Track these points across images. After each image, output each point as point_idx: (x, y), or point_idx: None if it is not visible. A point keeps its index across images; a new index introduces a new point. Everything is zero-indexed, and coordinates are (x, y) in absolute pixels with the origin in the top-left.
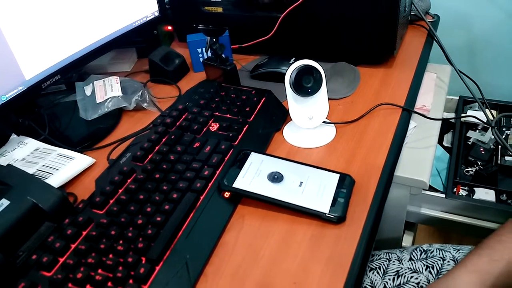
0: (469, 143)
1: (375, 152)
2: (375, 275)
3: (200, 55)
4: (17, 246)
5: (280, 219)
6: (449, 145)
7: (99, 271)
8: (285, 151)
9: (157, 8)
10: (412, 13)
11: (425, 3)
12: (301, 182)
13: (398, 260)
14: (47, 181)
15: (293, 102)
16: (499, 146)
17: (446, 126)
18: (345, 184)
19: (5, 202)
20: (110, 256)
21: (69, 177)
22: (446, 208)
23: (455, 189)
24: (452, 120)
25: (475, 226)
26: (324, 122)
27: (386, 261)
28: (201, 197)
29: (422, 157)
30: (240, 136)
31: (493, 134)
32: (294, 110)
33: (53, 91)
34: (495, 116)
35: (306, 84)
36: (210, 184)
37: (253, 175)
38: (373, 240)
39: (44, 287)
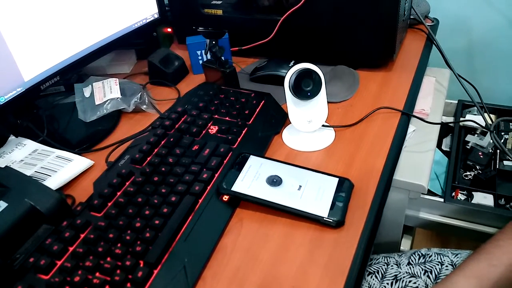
0: (468, 147)
1: (374, 156)
2: (373, 279)
3: (200, 58)
4: (14, 249)
5: (279, 223)
6: (448, 149)
7: (97, 274)
8: (284, 155)
9: (156, 10)
10: (411, 17)
11: (425, 7)
12: (300, 186)
13: (397, 265)
14: (45, 183)
15: (292, 105)
16: (498, 151)
17: (445, 130)
18: (344, 188)
19: (2, 204)
20: (108, 259)
21: (67, 179)
22: (445, 212)
23: (453, 193)
24: (451, 124)
25: (473, 231)
26: (323, 125)
27: (384, 265)
28: (200, 200)
29: (421, 161)
30: (239, 139)
31: (491, 139)
32: (293, 113)
33: (52, 93)
34: (493, 120)
35: (305, 88)
36: (208, 187)
37: (252, 178)
38: (371, 244)
39: None
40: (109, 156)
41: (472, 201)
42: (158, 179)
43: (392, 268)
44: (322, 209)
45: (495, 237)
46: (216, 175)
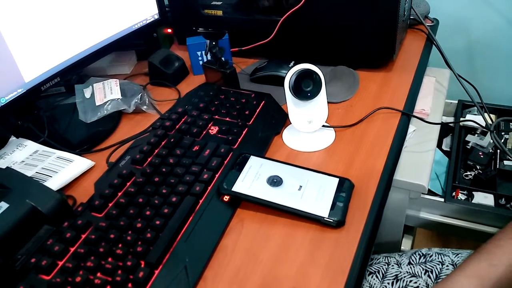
0: (468, 147)
1: (374, 156)
2: (374, 279)
3: (200, 58)
4: (16, 249)
5: (279, 223)
6: (448, 149)
7: (98, 274)
8: (285, 155)
9: (157, 11)
10: (411, 17)
11: (425, 7)
12: (301, 186)
13: (397, 264)
14: (46, 183)
15: (293, 105)
16: (498, 151)
17: (445, 130)
18: (344, 188)
19: (4, 205)
20: (109, 259)
21: (68, 180)
22: (445, 212)
23: (454, 193)
24: (451, 124)
25: (474, 230)
26: (323, 126)
27: (385, 265)
28: (200, 201)
29: (421, 161)
30: (239, 140)
31: (492, 139)
32: (294, 113)
33: (52, 94)
34: (494, 120)
35: (305, 88)
36: (209, 188)
37: (253, 178)
38: (372, 244)
39: None
40: (110, 157)
41: (473, 201)
42: (158, 180)
43: (393, 268)
44: (322, 209)
45: (496, 236)
46: (217, 175)
